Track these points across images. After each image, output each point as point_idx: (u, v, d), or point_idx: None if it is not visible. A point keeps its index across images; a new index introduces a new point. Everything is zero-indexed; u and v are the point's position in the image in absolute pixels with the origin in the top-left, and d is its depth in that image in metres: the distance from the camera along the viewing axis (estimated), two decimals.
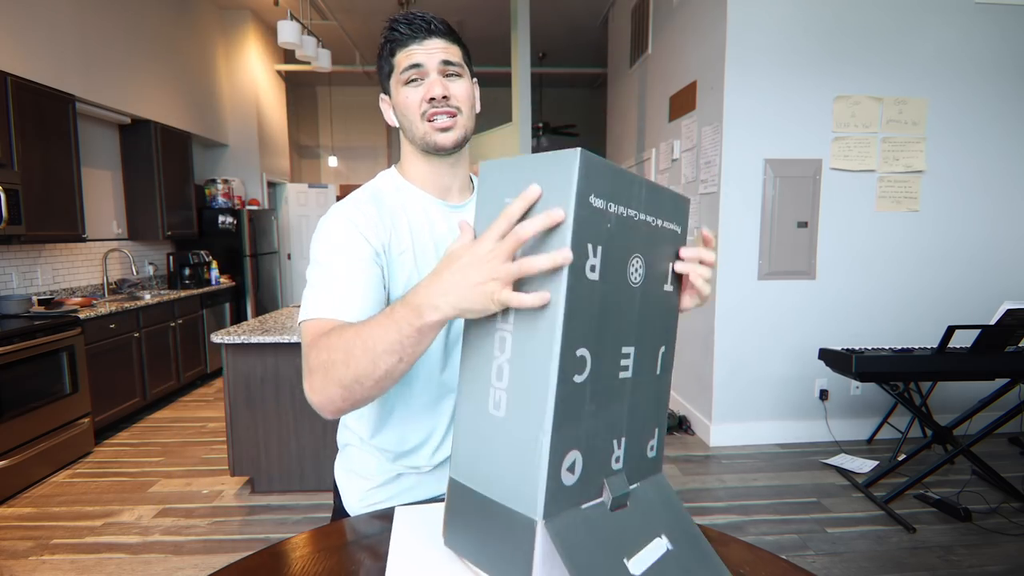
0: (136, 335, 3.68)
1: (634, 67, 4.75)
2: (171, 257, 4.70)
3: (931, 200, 3.18)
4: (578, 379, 0.57)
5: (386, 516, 0.85)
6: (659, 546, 0.64)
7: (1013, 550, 2.16)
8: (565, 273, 0.53)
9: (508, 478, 0.59)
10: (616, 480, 0.64)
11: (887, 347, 2.70)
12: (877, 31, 3.05)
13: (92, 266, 4.06)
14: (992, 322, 2.35)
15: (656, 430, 0.72)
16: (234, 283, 5.22)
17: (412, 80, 0.86)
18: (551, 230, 0.55)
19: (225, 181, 5.40)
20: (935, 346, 2.52)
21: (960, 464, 2.89)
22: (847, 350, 2.56)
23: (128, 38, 4.19)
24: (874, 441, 3.26)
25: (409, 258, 0.88)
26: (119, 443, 3.34)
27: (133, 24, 4.25)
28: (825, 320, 3.20)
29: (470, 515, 0.65)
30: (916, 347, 2.67)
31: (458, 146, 0.89)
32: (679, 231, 0.69)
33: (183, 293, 4.32)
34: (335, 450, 1.07)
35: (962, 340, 2.60)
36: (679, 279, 0.70)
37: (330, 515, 1.08)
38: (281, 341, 2.48)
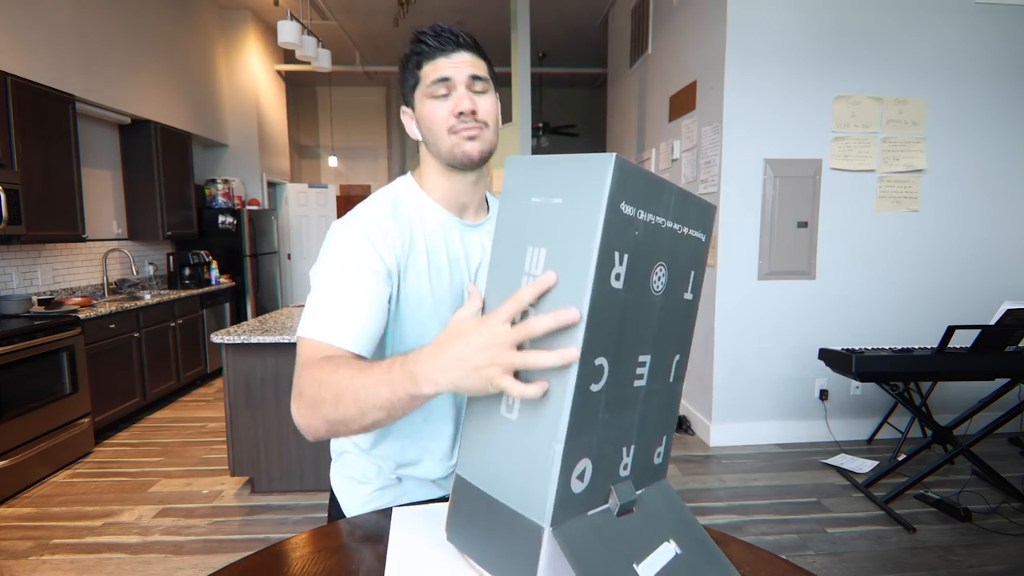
0: (136, 335, 3.68)
1: (634, 67, 4.75)
2: (171, 257, 4.70)
3: (931, 200, 3.18)
4: (595, 388, 0.56)
5: (386, 516, 0.85)
6: (668, 550, 0.64)
7: (1013, 550, 2.16)
8: (590, 283, 0.52)
9: (517, 482, 0.59)
10: (623, 487, 0.64)
11: (887, 347, 2.70)
12: (877, 31, 3.05)
13: (92, 266, 4.06)
14: (992, 322, 2.35)
15: (664, 438, 0.72)
16: (234, 283, 5.22)
17: (439, 94, 0.84)
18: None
19: (225, 181, 5.40)
20: (935, 346, 2.52)
21: (960, 464, 2.89)
22: (847, 350, 2.56)
23: (128, 38, 4.19)
24: (874, 441, 3.26)
25: (424, 277, 0.87)
26: (119, 443, 3.34)
27: (133, 24, 4.25)
28: (825, 320, 3.20)
29: (475, 514, 0.65)
30: (916, 347, 2.67)
31: (483, 159, 0.88)
32: (703, 239, 0.68)
33: (183, 293, 4.32)
34: None
35: (962, 340, 2.60)
36: (699, 285, 0.70)
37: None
38: (281, 341, 2.48)
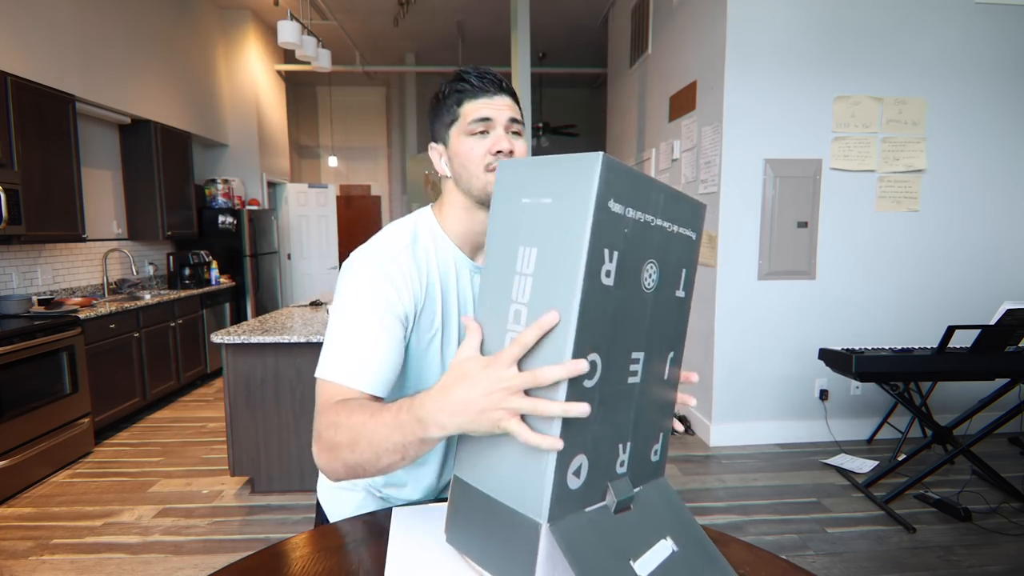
0: (136, 335, 3.68)
1: (634, 67, 4.75)
2: (171, 257, 4.70)
3: (931, 200, 3.18)
4: (588, 384, 0.56)
5: (386, 516, 0.85)
6: (665, 548, 0.64)
7: (1013, 550, 2.16)
8: (580, 280, 0.53)
9: (514, 480, 0.59)
10: (620, 484, 0.64)
11: (887, 347, 2.70)
12: (877, 31, 3.05)
13: (92, 266, 4.06)
14: (992, 322, 2.35)
15: (661, 435, 0.72)
16: (234, 283, 5.22)
17: (480, 132, 0.85)
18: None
19: (225, 181, 5.40)
20: (935, 346, 2.52)
21: (960, 464, 2.89)
22: (847, 350, 2.56)
23: (128, 38, 4.19)
24: (874, 441, 3.26)
25: (437, 315, 0.88)
26: (119, 443, 3.34)
27: (133, 24, 4.25)
28: (825, 320, 3.20)
29: (473, 513, 0.65)
30: (916, 347, 2.67)
31: None
32: (693, 237, 0.69)
33: (183, 293, 4.32)
34: None
35: (962, 340, 2.60)
36: (691, 283, 0.70)
37: None
38: (281, 341, 2.48)
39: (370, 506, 0.98)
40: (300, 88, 8.24)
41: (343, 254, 6.34)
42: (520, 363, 0.57)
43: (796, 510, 2.49)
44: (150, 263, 4.75)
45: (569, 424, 0.55)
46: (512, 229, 0.61)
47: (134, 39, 4.26)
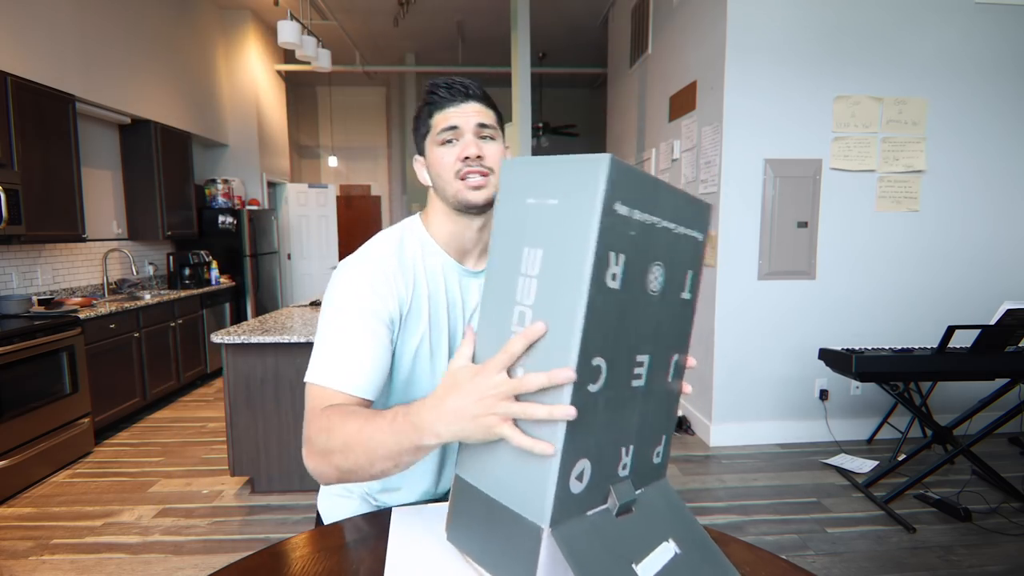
0: (136, 335, 3.68)
1: (634, 67, 4.75)
2: (171, 257, 4.70)
3: (931, 200, 3.18)
4: (592, 388, 0.56)
5: (386, 516, 0.85)
6: (667, 550, 0.64)
7: (1013, 550, 2.16)
8: (586, 284, 0.52)
9: (516, 483, 0.59)
10: (622, 487, 0.64)
11: (887, 347, 2.70)
12: (877, 31, 3.05)
13: (92, 266, 4.06)
14: (992, 322, 2.35)
15: (664, 437, 0.72)
16: (234, 283, 5.22)
17: (448, 141, 0.87)
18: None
19: (225, 181, 5.40)
20: (935, 346, 2.52)
21: (960, 464, 2.89)
22: (847, 350, 2.56)
23: (128, 38, 4.19)
24: (874, 441, 3.26)
25: (424, 320, 0.89)
26: (119, 443, 3.34)
27: (133, 24, 4.25)
28: (825, 320, 3.20)
29: (474, 514, 0.65)
30: (916, 347, 2.67)
31: (488, 205, 0.90)
32: (700, 238, 0.68)
33: (183, 293, 4.32)
34: None
35: (962, 340, 2.60)
36: (697, 285, 0.70)
37: None
38: (281, 341, 2.48)
39: (383, 496, 1.00)
40: (300, 88, 8.24)
41: (343, 254, 6.34)
42: (529, 365, 0.57)
43: (796, 510, 2.49)
44: (150, 263, 4.75)
45: (574, 428, 0.55)
46: (517, 230, 0.60)
47: (134, 39, 4.26)
